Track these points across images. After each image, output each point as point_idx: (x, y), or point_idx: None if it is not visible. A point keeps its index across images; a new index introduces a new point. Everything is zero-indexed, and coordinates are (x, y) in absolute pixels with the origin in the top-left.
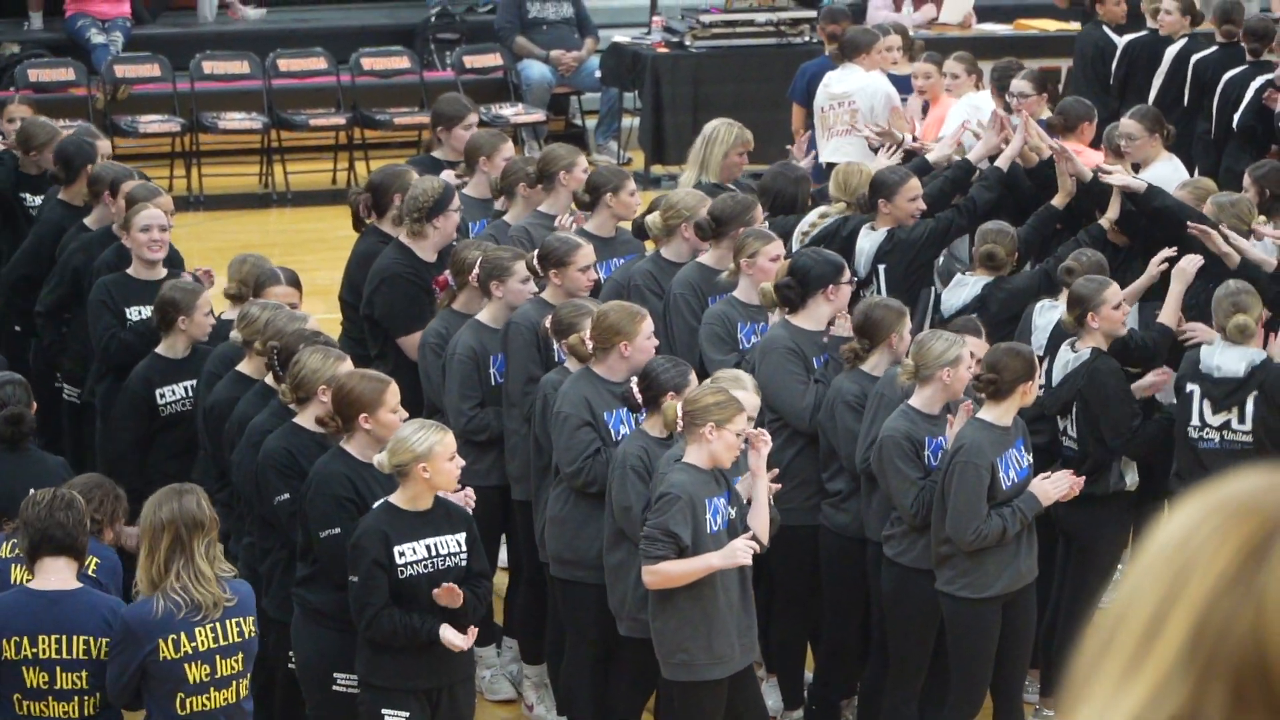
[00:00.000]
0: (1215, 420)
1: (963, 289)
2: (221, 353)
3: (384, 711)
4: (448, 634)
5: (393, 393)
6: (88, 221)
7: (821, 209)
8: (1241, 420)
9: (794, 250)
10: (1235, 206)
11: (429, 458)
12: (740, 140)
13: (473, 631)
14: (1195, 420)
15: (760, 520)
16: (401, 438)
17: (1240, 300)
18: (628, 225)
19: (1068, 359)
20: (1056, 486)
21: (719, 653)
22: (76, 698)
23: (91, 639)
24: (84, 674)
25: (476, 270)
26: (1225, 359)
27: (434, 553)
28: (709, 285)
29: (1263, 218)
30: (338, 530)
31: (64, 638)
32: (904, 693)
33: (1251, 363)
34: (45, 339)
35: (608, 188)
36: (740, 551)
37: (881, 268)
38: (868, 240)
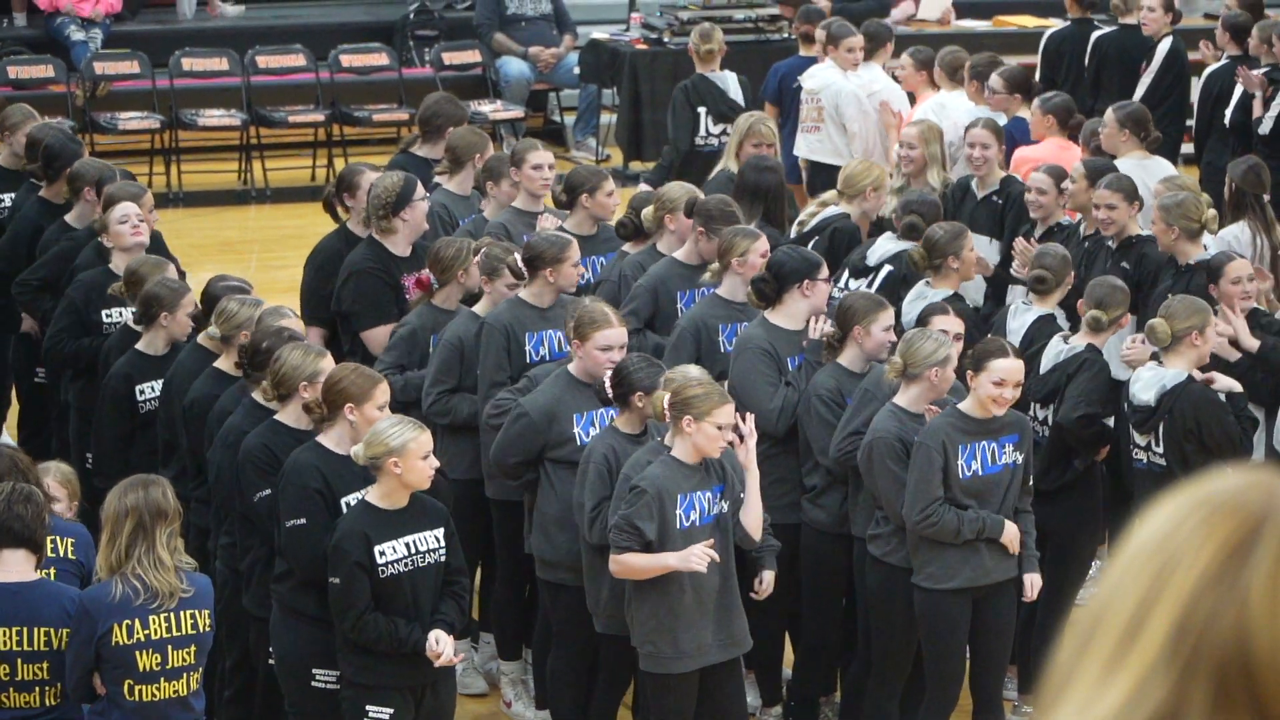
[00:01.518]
0: (1141, 441)
1: (920, 302)
2: (183, 364)
3: (368, 708)
4: (440, 649)
5: (383, 390)
6: (69, 219)
7: (821, 198)
8: (1157, 443)
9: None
10: (1181, 208)
11: (401, 453)
12: (753, 131)
13: (455, 650)
14: (1129, 440)
15: (751, 517)
16: (377, 430)
17: (1171, 307)
18: (611, 222)
19: (1059, 349)
20: (1015, 541)
21: (684, 648)
22: (37, 688)
23: (52, 630)
24: (45, 665)
25: (478, 259)
26: (1140, 386)
27: (413, 550)
28: (677, 280)
29: (1211, 212)
30: (303, 521)
31: (25, 629)
32: (886, 691)
33: (1162, 389)
34: (37, 312)
35: (584, 188)
36: (695, 558)
37: (887, 269)
38: (893, 244)
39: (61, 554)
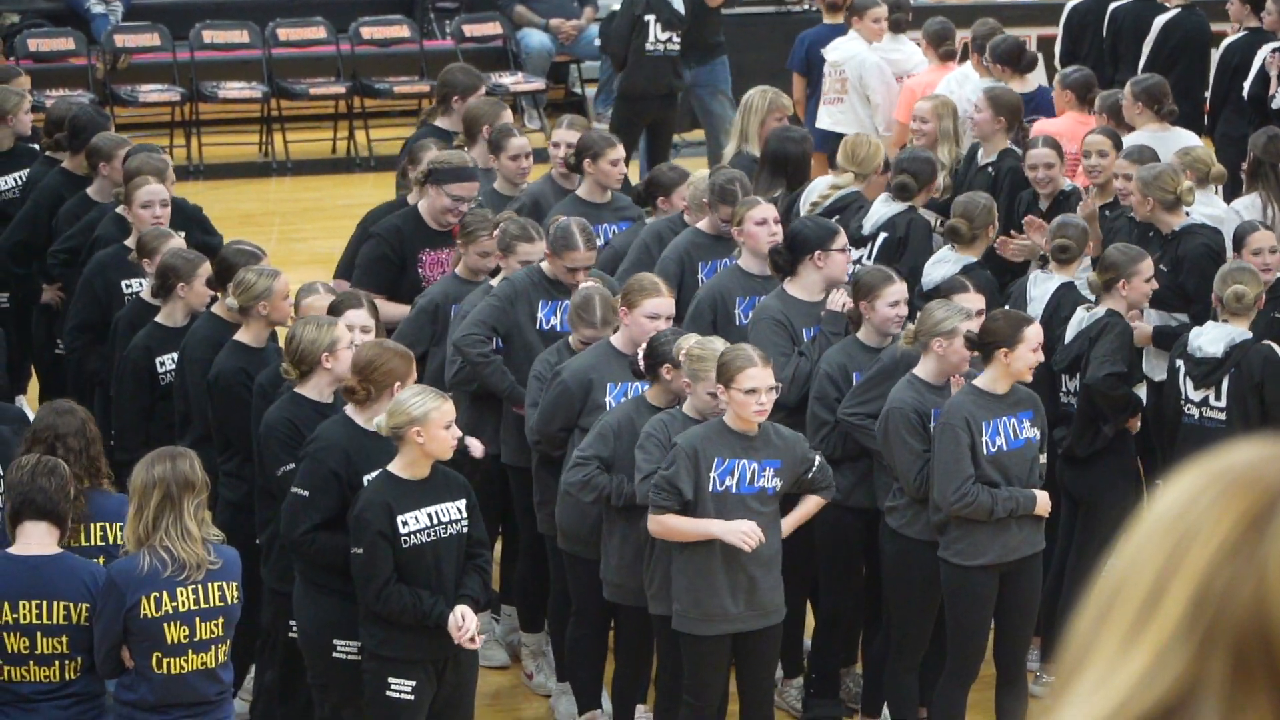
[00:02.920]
0: (1196, 396)
1: (944, 265)
2: (196, 334)
3: (390, 680)
4: (464, 625)
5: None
6: (90, 192)
7: (831, 180)
8: (1218, 398)
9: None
10: (1158, 180)
11: (424, 422)
12: (775, 105)
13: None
14: (1182, 395)
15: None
16: (400, 400)
17: (1237, 275)
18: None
19: (1081, 317)
20: (1047, 507)
21: (709, 611)
22: (57, 662)
23: (72, 604)
24: (64, 639)
25: (495, 235)
26: (1207, 340)
27: (435, 520)
28: (699, 250)
29: (1188, 183)
30: (306, 494)
31: (44, 603)
32: (905, 663)
33: (1231, 342)
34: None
35: (589, 153)
36: (744, 535)
37: (883, 235)
38: (886, 208)
39: (112, 540)
